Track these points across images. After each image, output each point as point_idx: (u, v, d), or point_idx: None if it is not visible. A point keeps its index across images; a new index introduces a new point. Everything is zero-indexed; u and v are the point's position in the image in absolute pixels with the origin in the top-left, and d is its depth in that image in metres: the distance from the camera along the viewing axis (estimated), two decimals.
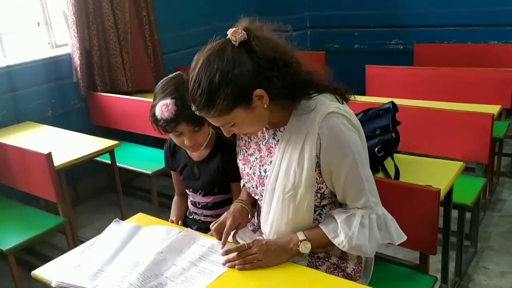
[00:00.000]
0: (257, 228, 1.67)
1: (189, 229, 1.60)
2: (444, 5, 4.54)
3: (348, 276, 1.54)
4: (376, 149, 1.86)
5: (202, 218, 1.87)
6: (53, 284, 1.39)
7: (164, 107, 1.58)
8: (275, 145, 1.48)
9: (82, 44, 3.40)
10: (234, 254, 1.41)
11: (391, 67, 3.55)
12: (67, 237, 2.60)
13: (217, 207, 1.84)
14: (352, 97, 1.52)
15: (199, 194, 1.85)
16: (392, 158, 1.95)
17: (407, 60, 4.32)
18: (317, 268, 1.49)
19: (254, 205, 1.68)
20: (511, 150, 3.56)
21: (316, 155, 1.40)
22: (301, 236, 1.44)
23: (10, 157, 2.59)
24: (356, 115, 1.69)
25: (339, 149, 1.38)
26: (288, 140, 1.43)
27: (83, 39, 3.40)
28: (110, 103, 3.50)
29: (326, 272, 1.49)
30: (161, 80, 1.70)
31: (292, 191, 1.42)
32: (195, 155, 1.81)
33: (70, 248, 2.54)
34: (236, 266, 1.39)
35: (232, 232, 1.55)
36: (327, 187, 1.46)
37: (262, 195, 1.52)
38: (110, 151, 2.79)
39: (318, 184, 1.44)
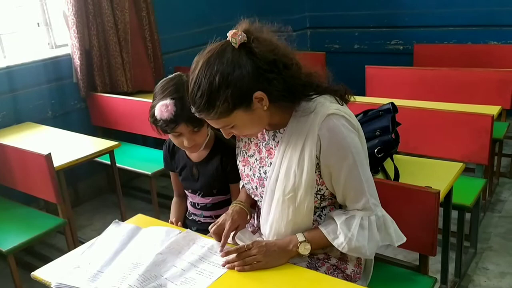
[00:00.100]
0: (257, 229, 1.67)
1: (188, 230, 1.60)
2: (444, 5, 4.54)
3: (347, 278, 1.54)
4: (375, 150, 1.85)
5: (202, 219, 1.87)
6: (52, 286, 1.39)
7: (163, 108, 1.58)
8: (275, 147, 1.48)
9: (82, 45, 3.40)
10: (233, 256, 1.41)
11: (391, 67, 3.55)
12: (67, 238, 2.60)
13: (216, 208, 1.84)
14: (352, 98, 1.52)
15: (198, 195, 1.85)
16: (392, 159, 1.95)
17: (407, 60, 4.32)
18: (316, 269, 1.49)
19: (253, 206, 1.68)
20: (511, 151, 3.55)
21: (316, 157, 1.40)
22: (300, 237, 1.44)
23: (10, 157, 2.59)
24: (356, 116, 1.69)
25: (339, 151, 1.38)
26: (288, 141, 1.43)
27: (83, 40, 3.40)
28: (110, 104, 3.50)
29: (326, 273, 1.49)
30: (161, 81, 1.70)
31: (292, 193, 1.42)
32: (194, 156, 1.81)
33: (70, 248, 2.55)
34: (235, 268, 1.39)
35: (232, 234, 1.55)
36: (327, 189, 1.46)
37: (262, 197, 1.52)
38: (110, 151, 2.79)
39: (318, 186, 1.44)
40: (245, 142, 1.59)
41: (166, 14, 4.02)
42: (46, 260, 2.46)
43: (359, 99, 2.90)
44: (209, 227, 1.54)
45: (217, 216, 1.63)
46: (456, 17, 4.50)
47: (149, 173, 3.00)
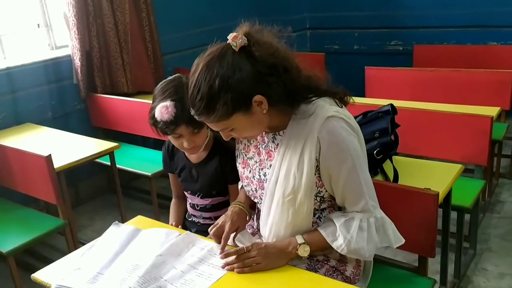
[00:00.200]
0: (256, 231, 1.67)
1: (188, 232, 1.60)
2: (444, 6, 4.55)
3: (347, 279, 1.54)
4: (375, 151, 1.86)
5: (201, 221, 1.88)
6: (52, 287, 1.40)
7: (163, 109, 1.58)
8: (274, 149, 1.49)
9: (83, 46, 3.40)
10: (233, 257, 1.42)
11: (390, 68, 3.55)
12: (67, 239, 2.61)
13: (215, 209, 1.84)
14: (351, 100, 1.52)
15: (198, 196, 1.85)
16: (391, 161, 1.95)
17: (407, 61, 4.32)
18: (316, 271, 1.49)
19: (252, 207, 1.68)
20: (511, 152, 3.55)
21: (316, 159, 1.40)
22: (300, 239, 1.44)
23: (10, 159, 2.60)
24: (355, 117, 1.70)
25: (339, 153, 1.38)
26: (287, 144, 1.44)
27: (83, 41, 3.40)
28: (110, 105, 3.50)
29: (325, 275, 1.49)
30: (160, 83, 1.70)
31: (292, 195, 1.42)
32: (193, 157, 1.81)
33: (70, 249, 2.55)
34: (235, 270, 1.39)
35: (232, 236, 1.55)
36: (326, 191, 1.46)
37: (261, 199, 1.53)
38: (110, 153, 2.79)
39: (317, 188, 1.44)
40: (245, 144, 1.59)
41: (166, 15, 4.03)
42: (46, 261, 2.47)
43: (359, 100, 2.90)
44: (209, 229, 1.55)
45: (217, 218, 1.63)
46: (456, 18, 4.50)
47: (149, 174, 3.01)
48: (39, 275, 1.47)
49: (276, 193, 1.46)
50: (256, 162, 1.55)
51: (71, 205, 2.90)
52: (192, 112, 1.36)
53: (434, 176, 1.93)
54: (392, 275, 1.82)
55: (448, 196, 1.93)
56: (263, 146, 1.53)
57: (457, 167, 1.96)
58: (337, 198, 1.47)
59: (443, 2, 4.55)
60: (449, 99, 2.94)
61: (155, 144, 3.54)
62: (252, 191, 1.57)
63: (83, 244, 1.81)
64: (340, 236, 1.41)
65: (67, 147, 2.79)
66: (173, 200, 1.98)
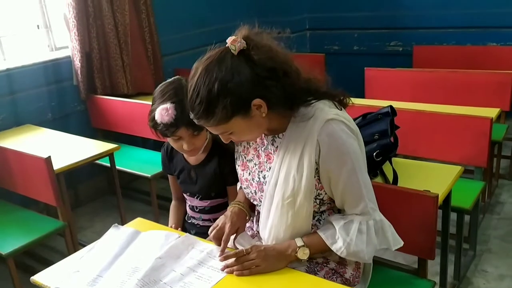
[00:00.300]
0: (256, 234, 1.67)
1: (187, 234, 1.60)
2: (443, 7, 4.54)
3: (346, 282, 1.54)
4: (374, 154, 1.86)
5: (201, 223, 1.88)
6: None
7: (164, 111, 1.58)
8: (274, 151, 1.49)
9: (83, 47, 3.41)
10: (232, 260, 1.42)
11: (390, 69, 3.56)
12: (67, 241, 2.61)
13: (214, 211, 1.84)
14: (350, 102, 1.52)
15: (197, 198, 1.85)
16: (391, 163, 1.95)
17: (406, 62, 4.32)
18: (315, 273, 1.49)
19: (251, 207, 1.67)
20: (510, 152, 3.55)
21: (316, 162, 1.40)
22: (299, 242, 1.44)
23: (9, 160, 2.60)
24: (355, 119, 1.70)
25: (339, 156, 1.38)
26: (287, 146, 1.44)
27: (83, 42, 3.40)
28: (110, 106, 3.50)
29: (325, 277, 1.49)
30: (160, 85, 1.70)
31: (291, 198, 1.42)
32: (192, 159, 1.81)
33: (70, 251, 2.56)
34: (234, 272, 1.39)
35: (232, 237, 1.55)
36: (326, 193, 1.46)
37: (261, 201, 1.53)
38: (110, 154, 2.79)
39: (317, 190, 1.44)
40: (244, 147, 1.59)
41: (165, 16, 4.03)
42: (46, 263, 2.48)
43: (359, 101, 2.92)
44: (209, 231, 1.55)
45: (216, 220, 1.63)
46: (455, 18, 4.50)
47: (149, 175, 3.01)
48: (39, 278, 1.47)
49: (276, 195, 1.46)
50: (255, 164, 1.55)
51: (71, 207, 2.90)
52: (191, 115, 1.36)
53: (433, 178, 1.93)
54: (391, 277, 1.82)
55: (447, 197, 1.93)
56: (262, 149, 1.53)
57: (457, 169, 1.96)
58: (337, 201, 1.47)
59: (442, 2, 4.55)
60: (448, 100, 2.94)
61: (154, 146, 3.54)
62: (252, 193, 1.57)
63: (83, 245, 1.81)
64: (340, 239, 1.41)
65: (67, 149, 2.79)
66: (172, 202, 1.99)
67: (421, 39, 4.63)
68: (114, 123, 3.53)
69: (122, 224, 1.72)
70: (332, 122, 1.39)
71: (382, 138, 1.90)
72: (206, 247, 1.52)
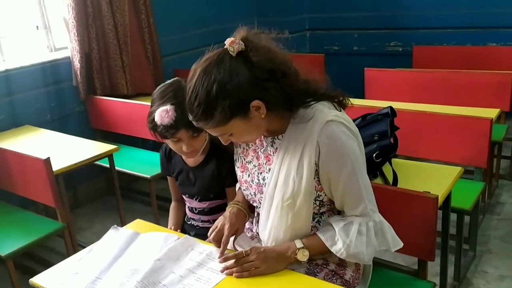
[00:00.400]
0: (256, 235, 1.67)
1: (187, 235, 1.59)
2: (443, 7, 4.54)
3: (346, 283, 1.54)
4: (374, 155, 1.85)
5: (200, 224, 1.87)
6: None
7: (164, 113, 1.57)
8: (273, 153, 1.48)
9: (82, 48, 3.40)
10: (231, 262, 1.41)
11: (390, 70, 3.55)
12: (66, 242, 2.60)
13: (214, 212, 1.84)
14: (349, 103, 1.52)
15: (195, 200, 1.85)
16: (390, 164, 1.95)
17: (406, 62, 4.32)
18: (315, 275, 1.49)
19: (250, 207, 1.66)
20: (510, 153, 3.55)
21: (315, 163, 1.40)
22: (299, 244, 1.44)
23: (8, 161, 2.59)
24: (354, 120, 1.69)
25: (339, 158, 1.38)
26: (286, 148, 1.43)
27: (83, 43, 3.40)
28: (109, 107, 3.50)
29: (324, 279, 1.49)
30: (159, 86, 1.69)
31: (291, 199, 1.42)
32: (191, 161, 1.81)
33: (69, 252, 2.55)
34: (233, 274, 1.39)
35: (231, 238, 1.55)
36: (325, 195, 1.45)
37: (260, 203, 1.52)
38: (109, 155, 2.79)
39: (317, 192, 1.44)
40: (243, 148, 1.59)
41: (165, 17, 4.02)
42: (45, 264, 2.47)
43: (358, 102, 2.92)
44: (208, 233, 1.54)
45: (215, 221, 1.62)
46: (455, 19, 4.50)
47: (148, 176, 3.00)
48: (37, 280, 1.46)
49: (275, 197, 1.46)
50: (255, 166, 1.54)
51: (70, 208, 2.90)
52: (190, 118, 1.36)
53: (433, 178, 1.92)
54: (391, 279, 1.81)
55: (447, 198, 1.93)
56: (261, 150, 1.52)
57: (457, 170, 1.96)
58: (336, 202, 1.46)
59: (442, 2, 4.55)
60: (448, 100, 2.94)
61: (154, 146, 3.54)
62: (251, 195, 1.56)
63: (82, 247, 1.81)
64: (339, 241, 1.41)
65: (66, 150, 2.79)
66: (172, 204, 1.98)
67: (421, 39, 4.62)
68: (114, 124, 3.53)
69: (122, 225, 1.72)
70: (332, 124, 1.39)
71: (382, 139, 1.89)
72: (205, 249, 1.51)
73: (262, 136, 1.50)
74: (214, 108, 1.30)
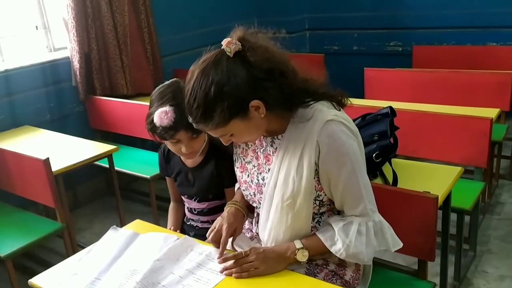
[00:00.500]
0: (255, 235, 1.66)
1: (186, 236, 1.59)
2: (443, 7, 4.53)
3: (346, 284, 1.53)
4: (374, 155, 1.85)
5: (199, 225, 1.87)
6: None
7: (163, 115, 1.57)
8: (273, 153, 1.48)
9: (81, 48, 3.40)
10: (231, 262, 1.41)
11: (390, 69, 3.55)
12: (66, 243, 2.60)
13: (213, 213, 1.84)
14: (348, 102, 1.51)
15: (194, 200, 1.84)
16: (390, 164, 1.95)
17: (406, 62, 4.31)
18: (315, 275, 1.49)
19: (249, 207, 1.66)
20: (510, 153, 3.55)
21: (315, 163, 1.39)
22: (298, 244, 1.43)
23: (8, 162, 2.59)
24: (354, 120, 1.69)
25: (338, 157, 1.38)
26: (286, 148, 1.43)
27: (82, 43, 3.40)
28: (109, 107, 3.50)
29: (324, 279, 1.49)
30: (157, 87, 1.68)
31: (291, 199, 1.42)
32: (189, 162, 1.80)
33: (68, 253, 2.55)
34: (233, 274, 1.38)
35: (230, 239, 1.54)
36: (325, 195, 1.45)
37: (260, 203, 1.52)
38: (109, 155, 2.79)
39: (316, 192, 1.44)
40: (243, 149, 1.58)
41: (165, 17, 4.02)
42: (45, 264, 2.47)
43: (358, 101, 2.92)
44: (207, 234, 1.54)
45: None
46: (455, 18, 4.49)
47: (148, 176, 3.00)
48: (36, 281, 1.46)
49: (275, 197, 1.45)
50: (254, 166, 1.54)
51: (70, 208, 2.89)
52: (190, 120, 1.36)
53: (433, 178, 1.92)
54: (391, 279, 1.81)
55: (447, 198, 1.93)
56: (261, 150, 1.52)
57: (457, 170, 1.95)
58: (336, 202, 1.46)
59: (442, 2, 4.54)
60: (448, 100, 2.93)
61: (154, 147, 3.53)
62: (251, 195, 1.56)
63: (82, 247, 1.80)
64: (339, 241, 1.40)
65: (65, 150, 2.79)
66: (171, 204, 1.98)
67: (421, 39, 4.62)
68: (113, 124, 3.52)
69: (121, 226, 1.72)
70: (332, 123, 1.38)
71: (382, 139, 1.89)
72: (205, 249, 1.51)
73: (262, 136, 1.50)
74: (213, 109, 1.29)
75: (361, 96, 3.47)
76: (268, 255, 1.41)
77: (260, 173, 1.52)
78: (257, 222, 1.60)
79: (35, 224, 2.56)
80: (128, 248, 1.55)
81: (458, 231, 2.31)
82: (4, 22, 3.30)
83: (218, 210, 1.82)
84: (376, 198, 1.46)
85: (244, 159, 1.58)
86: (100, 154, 2.73)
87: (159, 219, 3.03)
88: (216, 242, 1.50)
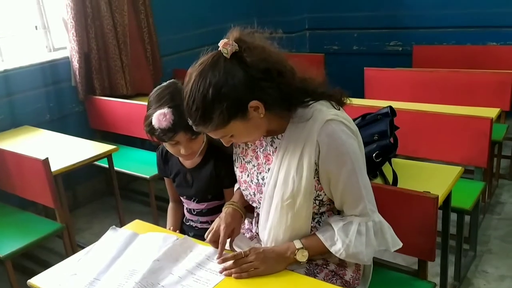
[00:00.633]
0: (255, 235, 1.66)
1: (186, 236, 1.58)
2: (443, 6, 4.53)
3: (346, 284, 1.53)
4: (374, 154, 1.85)
5: (199, 225, 1.86)
6: None
7: (161, 117, 1.56)
8: (273, 153, 1.47)
9: (81, 48, 3.40)
10: (230, 262, 1.40)
11: (390, 69, 3.55)
12: (65, 243, 2.59)
13: (212, 213, 1.83)
14: (348, 101, 1.51)
15: (193, 201, 1.84)
16: (390, 164, 1.94)
17: (406, 62, 4.31)
18: (315, 275, 1.48)
19: (248, 209, 1.66)
20: (511, 152, 3.54)
21: (315, 163, 1.39)
22: (298, 244, 1.43)
23: (7, 162, 2.58)
24: (354, 120, 1.68)
25: (338, 157, 1.37)
26: (286, 147, 1.43)
27: (81, 43, 3.39)
28: (108, 107, 3.49)
29: (324, 279, 1.48)
30: (155, 89, 1.67)
31: (291, 199, 1.41)
32: (188, 162, 1.79)
33: (68, 253, 2.55)
34: (232, 275, 1.38)
35: (228, 240, 1.54)
36: (325, 194, 1.45)
37: (260, 203, 1.51)
38: (108, 155, 2.78)
39: (316, 192, 1.43)
40: (242, 148, 1.58)
41: (164, 17, 4.02)
42: (44, 264, 2.47)
43: (358, 101, 2.91)
44: (205, 235, 1.53)
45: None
46: (455, 18, 4.49)
47: (147, 176, 3.00)
48: (35, 281, 1.45)
49: (275, 197, 1.45)
50: (254, 166, 1.53)
51: (69, 208, 2.89)
52: (190, 122, 1.35)
53: (433, 178, 1.92)
54: (391, 279, 1.81)
55: (447, 198, 1.92)
56: (261, 150, 1.52)
57: (457, 170, 1.95)
58: (336, 202, 1.46)
59: (442, 2, 4.54)
60: (448, 100, 2.93)
61: (153, 147, 3.51)
62: (251, 195, 1.56)
63: (81, 247, 1.80)
64: (339, 241, 1.40)
65: (65, 150, 2.78)
66: (170, 205, 1.97)
67: (421, 38, 4.61)
68: (113, 124, 3.52)
69: (121, 226, 1.71)
70: (332, 123, 1.38)
71: (382, 139, 1.89)
72: (204, 250, 1.51)
73: (262, 136, 1.49)
74: (211, 111, 1.29)
75: (361, 96, 3.46)
76: (267, 255, 1.41)
77: (260, 172, 1.51)
78: (257, 222, 1.60)
79: (34, 224, 2.55)
80: (127, 248, 1.55)
81: (458, 231, 2.31)
82: (4, 22, 3.30)
83: (217, 210, 1.81)
84: (376, 198, 1.46)
85: (244, 159, 1.57)
86: (99, 154, 2.73)
87: (158, 219, 3.02)
88: (215, 243, 1.50)
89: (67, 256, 1.64)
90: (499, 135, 3.03)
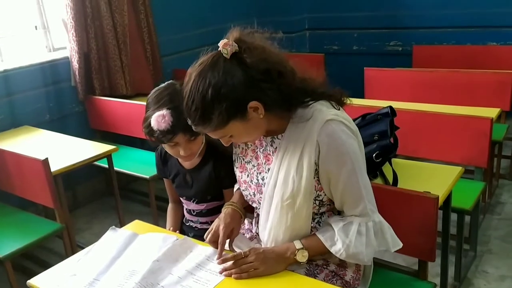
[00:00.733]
0: (255, 236, 1.66)
1: (185, 237, 1.58)
2: (443, 6, 4.53)
3: (346, 284, 1.53)
4: (374, 154, 1.85)
5: (199, 226, 1.86)
6: None
7: (160, 118, 1.55)
8: (272, 153, 1.47)
9: (81, 48, 3.39)
10: (230, 263, 1.40)
11: (390, 69, 3.54)
12: (65, 243, 2.59)
13: (212, 214, 1.83)
14: (348, 101, 1.51)
15: (193, 202, 1.83)
16: (390, 164, 1.94)
17: (406, 62, 4.31)
18: (315, 276, 1.48)
19: (247, 209, 1.66)
20: (511, 152, 3.54)
21: (315, 163, 1.39)
22: (298, 244, 1.43)
23: (7, 162, 2.58)
24: (354, 120, 1.68)
25: (338, 157, 1.37)
26: (286, 147, 1.42)
27: (81, 43, 3.39)
28: (108, 107, 3.49)
29: (324, 280, 1.48)
30: (153, 90, 1.67)
31: (291, 199, 1.41)
32: (187, 163, 1.79)
33: (67, 253, 2.55)
34: (232, 275, 1.38)
35: (228, 240, 1.53)
36: (325, 195, 1.45)
37: (260, 203, 1.51)
38: (108, 155, 2.78)
39: (316, 192, 1.43)
40: (242, 148, 1.58)
41: (164, 16, 4.01)
42: (44, 265, 2.46)
43: (358, 101, 2.91)
44: (204, 236, 1.53)
45: None
46: (455, 18, 4.49)
47: (147, 176, 2.99)
48: (35, 282, 1.45)
49: (275, 197, 1.45)
50: (254, 166, 1.53)
51: (69, 209, 2.89)
52: (189, 122, 1.35)
53: (434, 178, 1.91)
54: (392, 279, 1.80)
55: (448, 198, 1.92)
56: (261, 150, 1.51)
57: (457, 170, 1.95)
58: (336, 202, 1.45)
59: (442, 2, 4.54)
60: (448, 100, 2.93)
61: (153, 147, 3.52)
62: (250, 195, 1.55)
63: (81, 247, 1.80)
64: (339, 241, 1.40)
65: (64, 150, 2.78)
66: (170, 205, 1.97)
67: (421, 38, 4.61)
68: (113, 124, 3.52)
69: (120, 226, 1.71)
70: (332, 123, 1.38)
71: (382, 139, 1.88)
72: (204, 250, 1.50)
73: (262, 136, 1.49)
74: (211, 112, 1.29)
75: (361, 96, 3.46)
76: (267, 256, 1.41)
77: (260, 173, 1.51)
78: (257, 223, 1.60)
79: (34, 224, 2.55)
80: (127, 248, 1.54)
81: (459, 231, 2.31)
82: (4, 22, 3.30)
83: (217, 211, 1.81)
84: (376, 198, 1.46)
85: (243, 159, 1.57)
86: (99, 154, 2.72)
87: (158, 220, 3.02)
88: (214, 243, 1.50)
89: (67, 256, 1.63)
90: (499, 135, 3.03)
